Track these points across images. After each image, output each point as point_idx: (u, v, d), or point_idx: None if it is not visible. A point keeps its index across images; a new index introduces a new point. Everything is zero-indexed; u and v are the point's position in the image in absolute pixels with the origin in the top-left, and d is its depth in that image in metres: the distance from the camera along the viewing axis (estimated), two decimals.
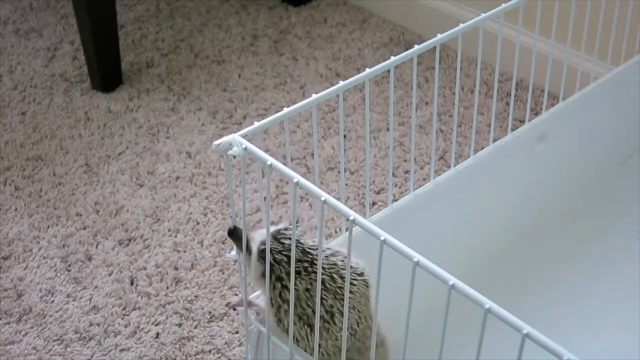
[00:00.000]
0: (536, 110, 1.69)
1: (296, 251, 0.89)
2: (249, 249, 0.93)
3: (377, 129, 1.73)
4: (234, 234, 0.94)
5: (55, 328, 1.32)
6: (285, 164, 0.85)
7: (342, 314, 0.91)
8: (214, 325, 1.32)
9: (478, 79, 1.18)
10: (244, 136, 0.88)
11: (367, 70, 1.01)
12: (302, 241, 0.92)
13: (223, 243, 1.47)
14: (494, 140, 1.29)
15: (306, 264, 0.91)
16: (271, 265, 0.90)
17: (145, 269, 1.42)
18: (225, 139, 0.87)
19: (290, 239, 0.90)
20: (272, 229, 0.92)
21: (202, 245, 1.46)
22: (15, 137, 1.72)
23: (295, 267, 0.88)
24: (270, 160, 0.84)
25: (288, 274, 0.89)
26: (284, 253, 0.91)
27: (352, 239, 0.81)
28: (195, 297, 1.37)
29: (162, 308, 1.35)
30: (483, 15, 1.14)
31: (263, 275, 0.92)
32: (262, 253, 0.91)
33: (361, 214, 0.83)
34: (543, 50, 1.40)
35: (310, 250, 0.92)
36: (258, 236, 0.93)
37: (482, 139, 1.66)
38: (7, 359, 1.28)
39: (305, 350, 0.94)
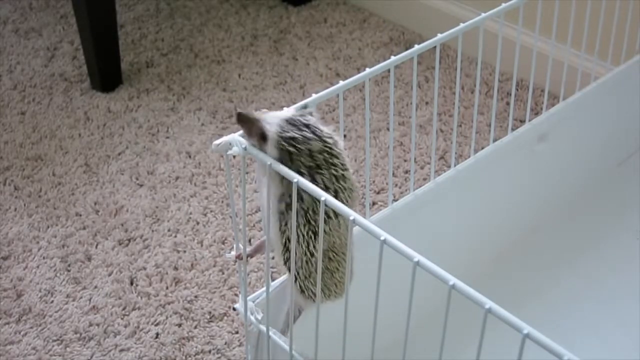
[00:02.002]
0: (536, 110, 1.69)
1: (316, 140, 0.85)
2: (263, 135, 0.86)
3: (377, 128, 1.73)
4: (242, 117, 0.86)
5: (54, 328, 1.32)
6: None
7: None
8: (214, 326, 1.32)
9: (478, 78, 1.18)
10: (244, 136, 0.88)
11: (367, 70, 1.01)
12: (318, 126, 0.86)
13: (223, 243, 1.47)
14: (494, 140, 1.29)
15: (326, 155, 0.86)
16: (290, 155, 0.84)
17: (145, 269, 1.42)
18: (225, 138, 0.87)
19: (307, 125, 0.85)
20: (285, 115, 0.87)
21: (202, 245, 1.46)
22: (14, 137, 1.72)
23: (317, 160, 0.85)
24: (270, 160, 0.84)
25: (309, 168, 0.85)
26: (306, 143, 0.84)
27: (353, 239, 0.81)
28: (195, 297, 1.37)
29: (162, 308, 1.35)
30: (483, 14, 1.14)
31: (283, 162, 0.85)
32: (283, 139, 0.84)
33: (361, 214, 0.83)
34: (543, 50, 1.40)
35: (327, 140, 0.86)
36: (272, 119, 0.86)
37: (482, 139, 1.66)
38: (7, 359, 1.27)
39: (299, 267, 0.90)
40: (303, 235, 0.88)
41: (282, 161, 0.85)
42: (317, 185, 0.84)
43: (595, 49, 1.44)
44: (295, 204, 0.85)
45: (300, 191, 0.84)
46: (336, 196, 0.86)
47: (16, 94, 1.85)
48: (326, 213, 0.85)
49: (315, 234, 0.87)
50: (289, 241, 0.89)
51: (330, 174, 0.86)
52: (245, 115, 0.87)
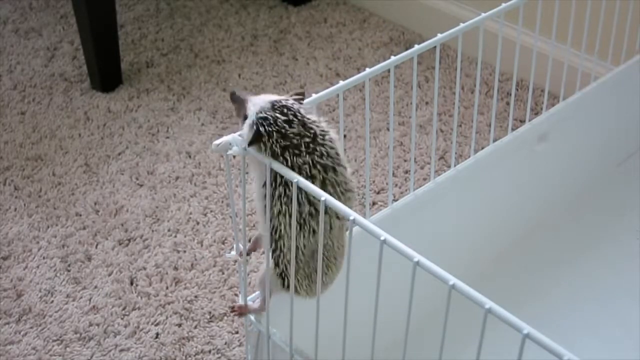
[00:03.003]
0: (536, 110, 1.69)
1: (296, 123, 0.84)
2: (245, 116, 0.86)
3: (377, 128, 1.73)
4: (234, 96, 0.88)
5: (54, 328, 1.32)
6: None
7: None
8: (214, 326, 1.32)
9: (478, 78, 1.18)
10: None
11: (367, 70, 1.01)
12: (302, 112, 0.85)
13: (223, 243, 1.47)
14: (494, 140, 1.29)
15: (307, 139, 0.84)
16: (262, 138, 0.84)
17: (145, 269, 1.42)
18: (225, 138, 0.87)
19: (292, 111, 0.85)
20: (271, 98, 0.86)
21: (202, 245, 1.46)
22: (14, 137, 1.72)
23: (295, 142, 0.83)
24: (269, 160, 0.84)
25: (284, 148, 0.83)
26: (279, 124, 0.83)
27: (353, 239, 0.81)
28: (195, 297, 1.37)
29: (161, 308, 1.35)
30: (483, 14, 1.14)
31: (252, 142, 0.85)
32: (260, 119, 0.84)
33: (361, 214, 0.83)
34: (543, 50, 1.40)
35: (311, 126, 0.85)
36: (259, 101, 0.86)
37: (482, 139, 1.66)
38: (7, 359, 1.28)
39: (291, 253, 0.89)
40: (290, 226, 0.87)
41: (256, 142, 0.84)
42: (291, 168, 0.83)
43: (595, 49, 1.44)
44: (294, 202, 0.85)
45: (280, 177, 0.84)
46: (323, 187, 0.85)
47: (16, 94, 1.85)
48: (317, 211, 0.84)
49: (302, 225, 0.86)
50: (276, 232, 0.88)
51: (314, 161, 0.84)
52: (237, 95, 0.88)
